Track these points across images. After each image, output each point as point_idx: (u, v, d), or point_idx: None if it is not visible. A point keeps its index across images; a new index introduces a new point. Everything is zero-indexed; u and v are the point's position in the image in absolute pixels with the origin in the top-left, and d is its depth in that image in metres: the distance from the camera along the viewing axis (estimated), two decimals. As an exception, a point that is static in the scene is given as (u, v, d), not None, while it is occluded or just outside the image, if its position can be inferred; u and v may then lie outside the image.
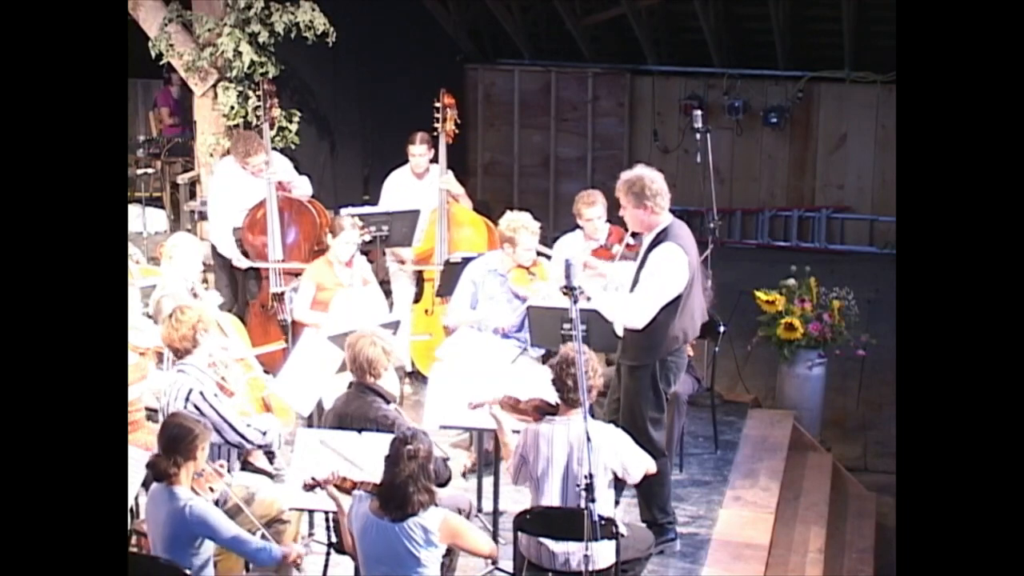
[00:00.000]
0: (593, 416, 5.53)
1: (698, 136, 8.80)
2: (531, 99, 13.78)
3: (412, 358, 8.14)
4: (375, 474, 4.99)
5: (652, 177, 6.09)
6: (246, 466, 6.07)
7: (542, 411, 5.64)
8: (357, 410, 5.62)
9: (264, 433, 5.83)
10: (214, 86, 9.29)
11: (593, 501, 4.73)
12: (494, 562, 6.06)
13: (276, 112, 8.63)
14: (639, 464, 5.54)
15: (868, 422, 9.41)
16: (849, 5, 12.04)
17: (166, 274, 7.26)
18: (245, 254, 8.45)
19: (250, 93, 9.15)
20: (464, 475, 6.83)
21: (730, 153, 13.30)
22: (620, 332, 6.24)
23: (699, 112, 9.02)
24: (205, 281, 8.60)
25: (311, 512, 6.20)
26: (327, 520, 5.76)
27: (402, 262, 8.57)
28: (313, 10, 9.13)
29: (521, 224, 7.30)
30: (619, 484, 5.72)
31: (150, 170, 12.43)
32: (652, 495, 6.33)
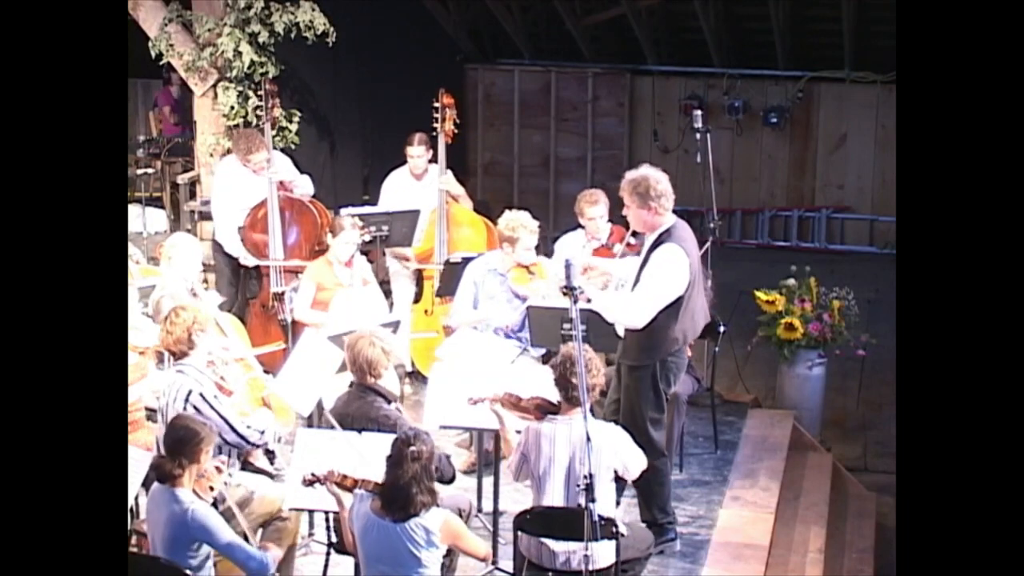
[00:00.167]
0: (594, 416, 5.53)
1: (698, 136, 8.80)
2: (531, 99, 13.78)
3: (412, 358, 8.14)
4: (376, 473, 4.99)
5: (657, 178, 6.08)
6: (246, 466, 6.07)
7: (544, 410, 5.64)
8: (358, 410, 5.62)
9: (262, 432, 5.83)
10: (214, 86, 9.29)
11: (593, 501, 4.73)
12: (494, 562, 6.07)
13: (277, 112, 8.63)
14: (638, 462, 5.55)
15: (868, 422, 9.41)
16: (849, 5, 12.04)
17: (165, 274, 7.25)
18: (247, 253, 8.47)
19: (250, 93, 9.15)
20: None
21: (730, 153, 13.30)
22: (621, 332, 6.24)
23: (699, 112, 9.02)
24: (205, 281, 8.60)
25: (311, 512, 6.20)
26: (327, 520, 5.76)
27: (406, 259, 8.56)
28: (313, 10, 9.12)
29: (520, 223, 7.30)
30: (619, 484, 5.72)
31: (150, 170, 12.43)
32: (652, 495, 6.33)
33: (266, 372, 6.71)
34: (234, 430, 5.68)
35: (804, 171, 13.42)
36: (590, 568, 4.92)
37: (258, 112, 9.01)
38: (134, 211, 11.38)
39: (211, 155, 9.45)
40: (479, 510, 6.52)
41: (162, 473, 5.01)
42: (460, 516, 5.36)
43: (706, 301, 6.46)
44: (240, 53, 9.00)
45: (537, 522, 5.36)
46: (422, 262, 8.53)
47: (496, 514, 6.23)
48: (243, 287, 8.68)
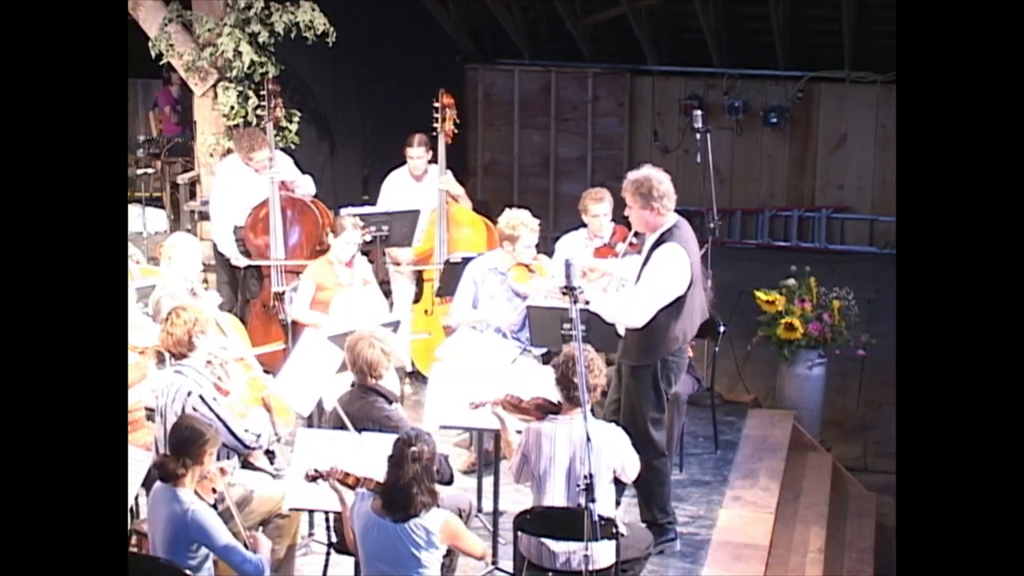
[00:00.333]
0: (594, 415, 5.53)
1: (698, 136, 8.80)
2: (531, 99, 13.78)
3: (412, 358, 8.14)
4: (377, 472, 4.99)
5: (660, 178, 6.08)
6: (246, 465, 6.07)
7: (544, 410, 5.64)
8: (359, 411, 5.62)
9: (259, 436, 5.83)
10: (214, 86, 9.29)
11: (593, 501, 4.73)
12: (494, 562, 6.07)
13: (280, 112, 8.64)
14: (635, 465, 5.55)
15: (868, 422, 9.41)
16: (849, 5, 12.04)
17: (165, 274, 7.25)
18: (247, 253, 8.46)
19: (250, 93, 9.16)
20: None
21: (730, 153, 13.30)
22: (621, 332, 6.24)
23: (699, 112, 9.02)
24: (205, 281, 8.60)
25: (311, 512, 6.20)
26: (327, 520, 5.77)
27: (397, 263, 8.57)
28: (313, 10, 9.12)
29: (520, 221, 7.30)
30: (619, 484, 5.72)
31: (150, 170, 12.44)
32: (652, 495, 6.33)
33: (266, 372, 6.71)
34: (231, 432, 5.67)
35: (804, 171, 13.43)
36: (590, 568, 4.92)
37: (258, 112, 9.02)
38: (134, 211, 11.37)
39: (211, 155, 9.45)
40: (479, 510, 6.52)
41: (165, 472, 5.02)
42: (460, 516, 5.37)
43: (706, 301, 6.46)
44: (240, 53, 9.00)
45: (537, 522, 5.36)
46: (422, 261, 8.53)
47: (496, 514, 6.23)
48: (243, 287, 8.68)
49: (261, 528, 5.59)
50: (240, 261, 8.46)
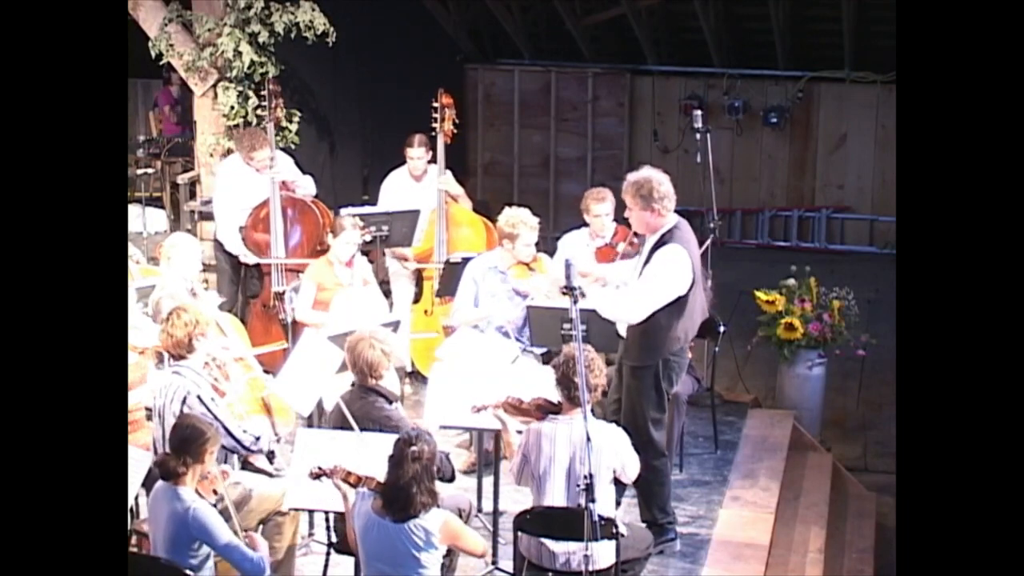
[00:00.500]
0: (594, 415, 5.53)
1: (698, 136, 8.80)
2: (531, 99, 13.78)
3: (412, 358, 8.14)
4: (378, 472, 4.99)
5: (660, 179, 6.08)
6: (246, 466, 6.07)
7: (545, 410, 5.64)
8: (359, 411, 5.62)
9: (257, 438, 5.83)
10: (214, 86, 9.30)
11: (593, 501, 4.73)
12: (494, 562, 6.07)
13: (280, 112, 8.64)
14: (635, 464, 5.55)
15: (868, 422, 9.41)
16: (849, 5, 12.04)
17: (165, 274, 7.25)
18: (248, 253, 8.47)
19: (250, 93, 9.16)
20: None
21: (730, 153, 13.30)
22: (622, 332, 6.24)
23: (699, 112, 9.02)
24: (205, 281, 8.60)
25: (311, 512, 6.20)
26: (327, 520, 5.77)
27: (405, 259, 8.57)
28: (313, 10, 9.13)
29: (520, 219, 7.31)
30: (619, 484, 5.72)
31: (150, 170, 12.44)
32: (652, 495, 6.33)
33: (267, 372, 6.71)
34: (230, 434, 5.66)
35: (804, 171, 13.43)
36: (590, 568, 4.93)
37: (258, 112, 9.02)
38: (134, 211, 11.38)
39: (211, 155, 9.46)
40: (479, 510, 6.52)
41: (166, 471, 5.03)
42: (460, 516, 5.37)
43: (706, 300, 6.46)
44: (240, 53, 9.00)
45: (537, 522, 5.36)
46: (421, 262, 8.53)
47: (496, 514, 6.23)
48: (244, 286, 8.69)
49: (260, 527, 5.60)
50: (249, 258, 8.46)
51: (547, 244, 8.04)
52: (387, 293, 8.54)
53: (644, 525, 6.18)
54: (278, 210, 8.31)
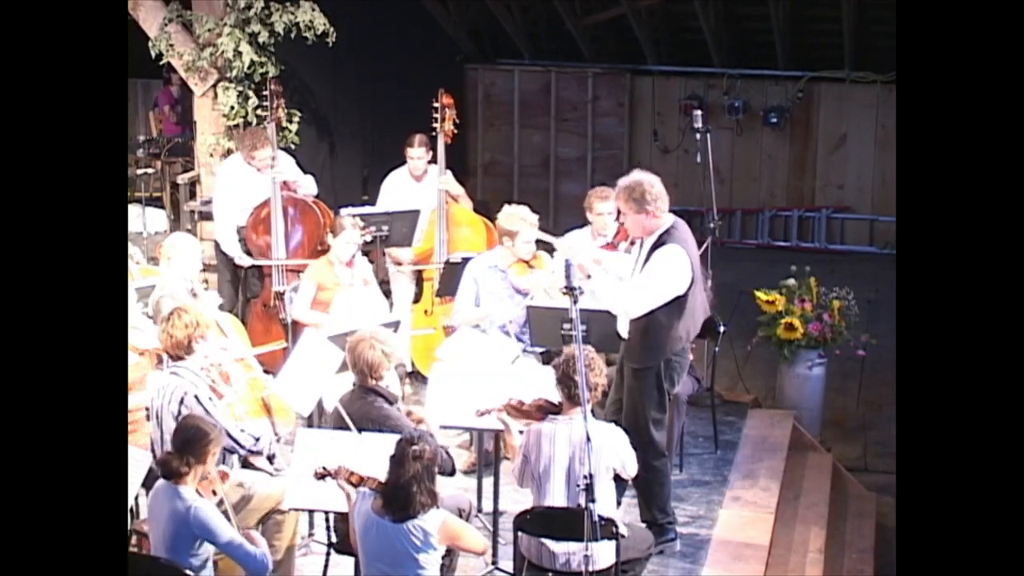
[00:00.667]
0: (595, 416, 5.53)
1: (698, 136, 8.79)
2: (531, 99, 13.79)
3: (412, 358, 8.14)
4: (377, 472, 4.99)
5: (651, 181, 6.09)
6: (246, 465, 6.07)
7: (545, 411, 5.64)
8: (359, 411, 5.62)
9: (257, 439, 5.82)
10: (214, 86, 9.30)
11: (593, 501, 4.74)
12: (494, 562, 6.07)
13: (282, 113, 8.64)
14: (634, 463, 5.56)
15: (868, 422, 9.41)
16: (849, 5, 12.04)
17: (165, 274, 7.25)
18: (249, 253, 8.47)
19: (250, 93, 9.16)
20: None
21: (730, 153, 13.31)
22: (624, 333, 6.24)
23: (699, 112, 9.02)
24: (205, 281, 8.60)
25: (311, 512, 6.20)
26: (327, 520, 5.77)
27: (399, 263, 8.57)
28: (313, 10, 9.13)
29: (520, 216, 7.31)
30: (620, 484, 5.72)
31: (150, 170, 12.44)
32: (652, 495, 6.33)
33: (267, 372, 6.71)
34: (228, 434, 5.67)
35: (804, 171, 13.43)
36: (590, 568, 4.93)
37: (258, 112, 9.02)
38: (134, 211, 11.38)
39: (211, 155, 9.46)
40: (479, 510, 6.52)
41: (168, 470, 5.03)
42: (460, 516, 5.37)
43: (706, 300, 6.47)
44: (240, 53, 9.00)
45: (537, 522, 5.36)
46: (422, 261, 8.53)
47: (496, 514, 6.23)
48: (244, 286, 8.69)
49: (260, 526, 5.60)
50: (244, 260, 8.47)
51: (547, 245, 8.03)
52: (387, 293, 8.54)
53: (644, 525, 6.18)
54: (279, 210, 8.31)
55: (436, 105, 8.56)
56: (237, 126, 9.24)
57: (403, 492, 4.82)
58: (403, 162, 8.65)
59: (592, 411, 5.39)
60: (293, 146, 9.33)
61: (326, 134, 10.79)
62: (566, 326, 6.53)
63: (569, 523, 5.13)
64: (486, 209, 9.26)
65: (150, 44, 9.28)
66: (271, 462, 6.29)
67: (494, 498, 6.27)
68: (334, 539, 5.67)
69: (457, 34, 13.51)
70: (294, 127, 9.35)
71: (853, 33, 12.46)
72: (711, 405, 7.89)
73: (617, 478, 5.54)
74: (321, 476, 5.12)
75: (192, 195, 10.23)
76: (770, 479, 7.37)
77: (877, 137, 13.03)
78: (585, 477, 4.78)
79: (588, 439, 5.02)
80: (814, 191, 13.42)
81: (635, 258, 6.22)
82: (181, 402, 5.61)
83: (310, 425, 6.31)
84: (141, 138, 13.24)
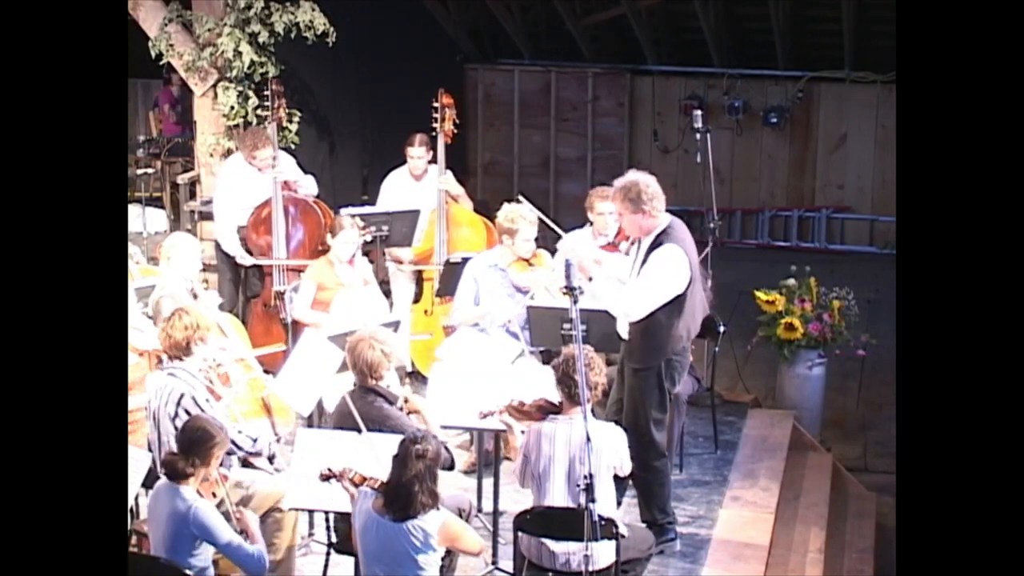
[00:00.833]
0: (595, 416, 5.53)
1: (698, 136, 8.80)
2: (531, 99, 13.79)
3: (412, 358, 8.14)
4: (378, 472, 4.99)
5: (647, 181, 6.09)
6: (246, 465, 6.06)
7: (545, 410, 5.64)
8: (359, 411, 5.61)
9: (255, 440, 5.82)
10: (214, 86, 9.30)
11: (593, 501, 4.74)
12: (494, 562, 6.07)
13: (283, 113, 8.64)
14: (628, 460, 5.56)
15: (868, 422, 9.41)
16: (849, 5, 12.04)
17: (165, 274, 7.25)
18: (249, 252, 8.47)
19: (250, 93, 9.16)
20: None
21: (730, 153, 13.30)
22: (624, 334, 6.23)
23: (699, 112, 9.02)
24: (205, 281, 8.60)
25: (311, 512, 6.20)
26: (327, 520, 5.76)
27: (399, 262, 8.58)
28: (313, 10, 9.13)
29: (519, 214, 7.31)
30: (620, 484, 5.72)
31: (150, 170, 12.44)
32: (652, 495, 6.33)
33: (267, 372, 6.71)
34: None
35: (804, 171, 13.43)
36: (590, 568, 4.93)
37: (258, 112, 9.02)
38: (134, 211, 11.38)
39: (211, 155, 9.46)
40: (479, 510, 6.52)
41: (172, 470, 5.04)
42: (460, 516, 5.37)
43: (705, 299, 6.46)
44: (240, 53, 9.00)
45: (537, 522, 5.36)
46: (422, 261, 8.53)
47: (496, 514, 6.23)
48: (244, 286, 8.69)
49: (260, 526, 5.59)
50: (246, 260, 8.47)
51: (547, 244, 8.03)
52: (387, 293, 8.54)
53: (644, 525, 6.18)
54: (280, 210, 8.31)
55: (436, 105, 8.56)
56: (237, 126, 9.24)
57: (405, 491, 4.82)
58: (403, 162, 8.65)
59: (592, 411, 5.39)
60: (293, 146, 9.33)
61: (326, 134, 10.79)
62: (566, 326, 6.53)
63: (569, 523, 5.13)
64: (486, 209, 9.26)
65: (150, 44, 9.28)
66: (271, 462, 6.29)
67: (494, 498, 6.27)
68: (334, 539, 5.67)
69: (457, 34, 13.51)
70: (294, 127, 9.36)
71: (853, 33, 12.46)
72: (711, 405, 7.89)
73: (617, 478, 5.54)
74: (326, 478, 5.12)
75: (192, 195, 10.23)
76: (770, 479, 7.37)
77: (877, 137, 13.03)
78: (585, 477, 4.79)
79: (588, 439, 5.02)
80: (814, 191, 13.42)
81: (633, 259, 6.22)
82: (178, 403, 5.61)
83: (310, 425, 6.31)
84: (141, 138, 13.24)
